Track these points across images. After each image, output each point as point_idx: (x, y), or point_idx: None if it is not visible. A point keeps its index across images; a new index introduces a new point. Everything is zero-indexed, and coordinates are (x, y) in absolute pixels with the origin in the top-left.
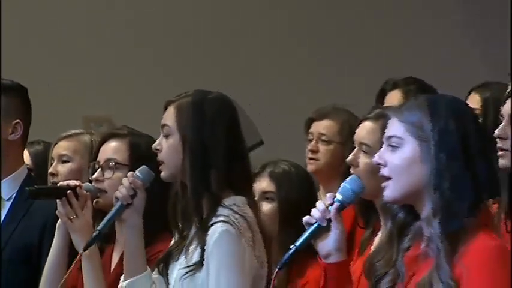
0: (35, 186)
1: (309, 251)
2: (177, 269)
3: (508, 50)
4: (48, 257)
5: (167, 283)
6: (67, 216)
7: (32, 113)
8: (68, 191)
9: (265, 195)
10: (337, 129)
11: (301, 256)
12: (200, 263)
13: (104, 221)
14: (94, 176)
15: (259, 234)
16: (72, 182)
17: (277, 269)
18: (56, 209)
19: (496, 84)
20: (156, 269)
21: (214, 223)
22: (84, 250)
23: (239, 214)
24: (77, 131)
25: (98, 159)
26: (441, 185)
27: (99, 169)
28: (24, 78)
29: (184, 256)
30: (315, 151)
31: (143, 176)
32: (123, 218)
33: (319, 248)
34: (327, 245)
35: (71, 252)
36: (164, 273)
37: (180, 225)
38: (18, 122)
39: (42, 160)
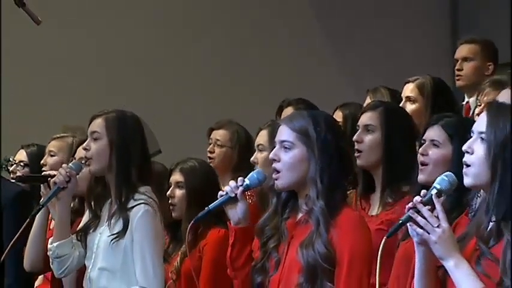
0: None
1: (210, 223)
2: (97, 237)
3: (370, 77)
4: (34, 223)
5: (84, 247)
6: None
7: (26, 123)
8: (49, 178)
9: (177, 185)
10: (228, 137)
11: (205, 225)
12: (123, 232)
13: (45, 198)
14: None
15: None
16: (53, 172)
17: (191, 223)
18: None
19: (353, 104)
20: (75, 236)
21: (137, 204)
22: (30, 218)
23: (152, 199)
24: (64, 134)
25: (74, 156)
26: (323, 178)
27: None
28: (20, 93)
29: (107, 228)
30: (212, 152)
31: (75, 167)
32: (59, 197)
33: (231, 216)
34: (237, 214)
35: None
36: (82, 240)
37: (93, 206)
38: None
39: (35, 157)
